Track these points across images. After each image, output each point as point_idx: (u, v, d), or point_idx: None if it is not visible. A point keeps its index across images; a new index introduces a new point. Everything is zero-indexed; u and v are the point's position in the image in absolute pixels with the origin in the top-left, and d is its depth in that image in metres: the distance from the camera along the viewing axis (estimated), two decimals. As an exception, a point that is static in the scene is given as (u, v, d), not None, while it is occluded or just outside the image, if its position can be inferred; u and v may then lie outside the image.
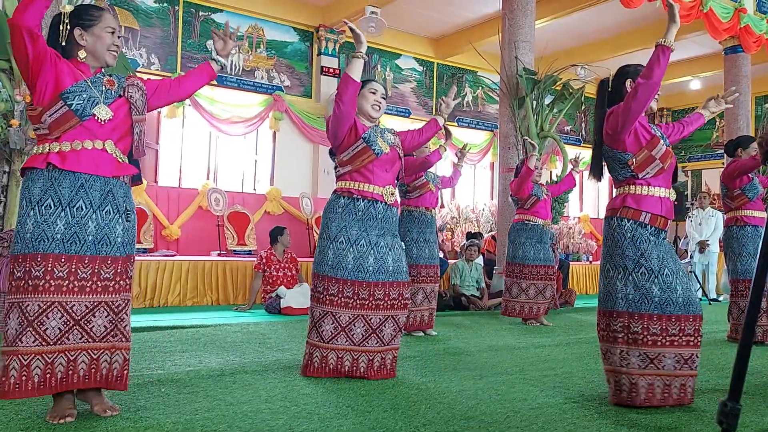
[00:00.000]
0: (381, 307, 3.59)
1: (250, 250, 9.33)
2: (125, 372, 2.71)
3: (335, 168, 3.78)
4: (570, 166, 6.92)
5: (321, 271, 3.61)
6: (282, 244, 7.46)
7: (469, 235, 9.59)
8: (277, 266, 7.35)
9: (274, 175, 11.09)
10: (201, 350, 4.40)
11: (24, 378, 2.49)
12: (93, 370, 2.62)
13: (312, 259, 8.53)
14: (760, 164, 5.15)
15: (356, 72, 3.54)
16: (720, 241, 10.50)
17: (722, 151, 12.90)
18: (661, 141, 3.22)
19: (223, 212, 9.49)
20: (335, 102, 3.57)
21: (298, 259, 7.75)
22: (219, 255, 8.87)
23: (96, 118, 2.66)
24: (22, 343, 2.49)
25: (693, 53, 13.12)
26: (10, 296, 2.55)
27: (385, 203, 3.66)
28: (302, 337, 5.15)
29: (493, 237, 10.29)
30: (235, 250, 9.20)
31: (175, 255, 8.38)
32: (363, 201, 3.61)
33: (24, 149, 5.03)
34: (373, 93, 3.76)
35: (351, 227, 3.59)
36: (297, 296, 7.05)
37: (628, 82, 3.27)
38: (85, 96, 2.64)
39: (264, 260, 7.34)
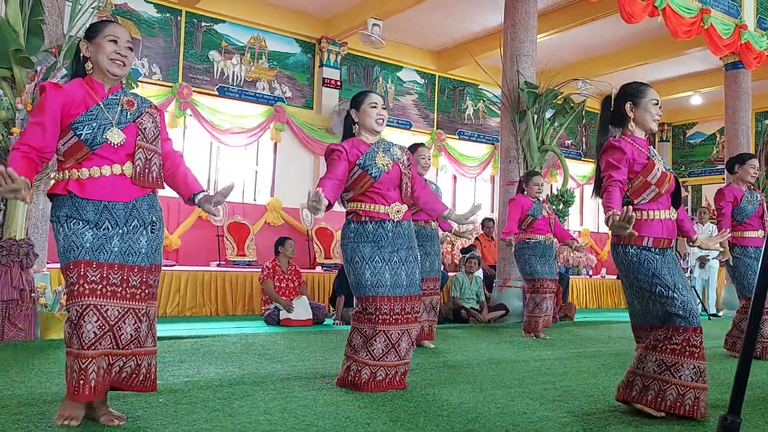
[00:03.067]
0: (398, 321, 3.60)
1: (249, 261, 9.32)
2: (150, 375, 2.77)
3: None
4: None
5: (353, 292, 3.73)
6: (284, 255, 7.43)
7: (464, 251, 9.56)
8: (281, 277, 7.32)
9: (274, 186, 11.10)
10: (200, 361, 4.38)
11: (76, 380, 2.55)
12: (117, 374, 2.64)
13: (312, 271, 8.51)
14: (726, 222, 5.28)
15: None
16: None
17: (722, 166, 12.93)
18: (657, 165, 3.21)
19: (223, 223, 9.49)
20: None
21: (300, 270, 7.73)
22: (218, 265, 8.87)
23: (109, 142, 2.65)
24: (73, 346, 2.56)
25: (694, 69, 13.17)
26: (66, 304, 2.66)
27: (393, 221, 3.66)
28: (301, 348, 5.14)
29: (478, 238, 10.27)
30: (234, 261, 9.19)
31: (174, 265, 8.37)
32: (371, 223, 3.64)
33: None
34: (374, 107, 3.72)
35: (364, 248, 3.62)
36: (296, 308, 7.03)
37: (627, 106, 3.28)
38: (95, 124, 2.63)
39: (270, 270, 7.30)
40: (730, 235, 5.08)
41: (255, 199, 11.02)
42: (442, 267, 9.04)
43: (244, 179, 11.07)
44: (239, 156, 10.98)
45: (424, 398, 3.44)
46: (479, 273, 8.60)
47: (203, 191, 2.93)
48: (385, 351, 3.56)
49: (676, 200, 3.31)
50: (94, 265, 2.59)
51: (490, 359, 4.93)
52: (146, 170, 2.73)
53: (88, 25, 2.82)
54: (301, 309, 7.06)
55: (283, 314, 6.94)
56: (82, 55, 2.76)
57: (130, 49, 2.80)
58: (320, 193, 3.24)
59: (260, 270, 7.50)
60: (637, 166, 3.19)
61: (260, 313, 7.48)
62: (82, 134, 2.61)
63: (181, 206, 9.60)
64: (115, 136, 2.66)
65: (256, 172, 11.20)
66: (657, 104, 3.31)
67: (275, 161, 11.20)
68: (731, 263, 5.35)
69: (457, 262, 10.17)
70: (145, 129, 2.76)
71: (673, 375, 3.06)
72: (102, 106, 2.68)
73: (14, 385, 3.41)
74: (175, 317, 7.31)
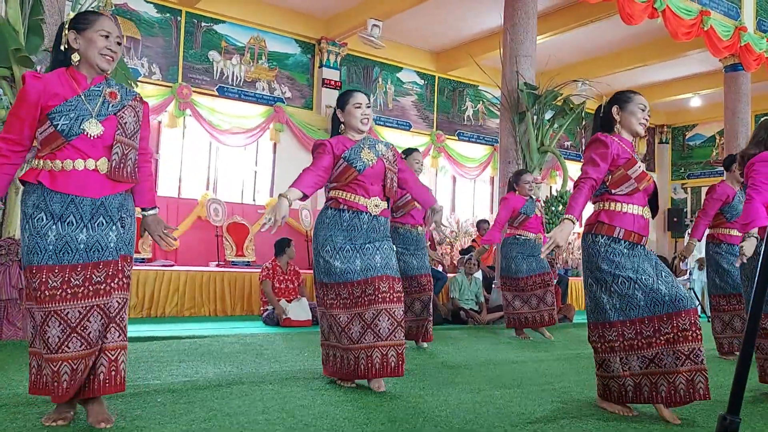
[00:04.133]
0: (373, 301, 3.57)
1: (248, 261, 9.32)
2: (123, 372, 2.70)
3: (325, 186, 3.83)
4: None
5: (317, 278, 3.75)
6: (288, 255, 7.44)
7: (463, 252, 9.57)
8: (280, 278, 7.33)
9: (273, 187, 11.09)
10: (198, 361, 4.38)
11: (39, 378, 2.63)
12: (91, 377, 2.62)
13: (311, 271, 8.52)
14: (703, 223, 5.34)
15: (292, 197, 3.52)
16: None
17: (721, 168, 12.93)
18: (639, 163, 3.34)
19: (222, 223, 9.48)
20: None
21: (299, 271, 7.74)
22: (217, 266, 8.86)
23: (86, 133, 2.62)
24: (35, 347, 2.63)
25: (693, 70, 13.17)
26: (25, 302, 2.69)
27: (370, 214, 3.69)
28: (300, 348, 5.15)
29: (475, 239, 10.28)
30: (233, 261, 9.19)
31: (173, 265, 8.36)
32: (348, 212, 3.67)
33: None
34: (358, 107, 3.74)
35: (336, 236, 3.65)
36: (296, 309, 7.03)
37: (614, 109, 3.41)
38: (72, 115, 2.60)
39: (269, 271, 7.32)
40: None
41: (254, 200, 11.02)
42: (442, 268, 9.05)
43: (243, 179, 11.07)
44: (238, 156, 10.98)
45: (422, 399, 3.44)
46: (478, 274, 8.59)
47: (154, 208, 2.97)
48: (362, 332, 3.55)
49: (653, 207, 3.42)
50: (56, 270, 2.57)
51: (488, 360, 4.93)
52: (121, 165, 2.70)
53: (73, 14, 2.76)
54: (300, 310, 7.05)
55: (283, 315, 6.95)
56: (68, 45, 2.70)
57: (119, 44, 2.77)
58: (283, 207, 3.43)
59: (260, 270, 7.50)
60: (621, 160, 3.31)
61: (259, 313, 7.48)
62: (58, 125, 2.58)
63: (180, 206, 9.61)
64: (93, 127, 2.63)
65: (256, 172, 11.20)
66: (644, 110, 3.41)
67: (274, 162, 11.20)
68: (716, 259, 5.37)
69: (456, 263, 10.17)
70: (125, 123, 2.72)
71: (658, 366, 3.11)
72: (83, 97, 2.65)
73: (12, 384, 3.40)
74: (174, 317, 7.30)
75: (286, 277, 7.38)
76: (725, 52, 10.44)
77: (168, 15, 10.05)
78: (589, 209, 3.39)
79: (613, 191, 3.29)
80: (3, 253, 4.94)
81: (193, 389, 3.42)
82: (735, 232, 5.28)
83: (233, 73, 10.64)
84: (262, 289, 7.30)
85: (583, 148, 15.34)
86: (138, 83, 7.38)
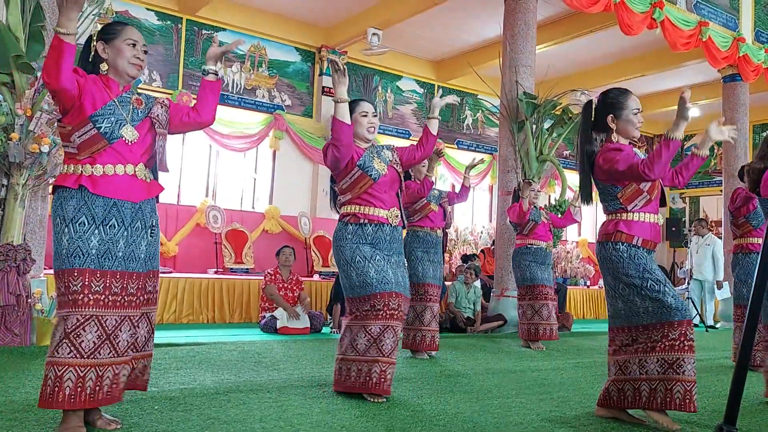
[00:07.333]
0: (388, 317, 3.56)
1: (247, 269, 9.32)
2: (144, 375, 2.90)
3: (337, 196, 3.82)
4: (570, 202, 6.91)
5: (351, 295, 3.66)
6: (281, 264, 7.44)
7: (465, 258, 9.57)
8: (281, 285, 7.34)
9: (273, 194, 11.10)
10: (196, 368, 4.37)
11: (57, 389, 2.53)
12: (114, 386, 2.65)
13: (310, 279, 8.49)
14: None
15: (345, 116, 3.55)
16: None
17: (720, 178, 12.95)
18: None
19: (221, 230, 9.48)
20: (333, 146, 3.58)
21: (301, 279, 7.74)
22: (216, 273, 8.86)
23: (124, 139, 2.70)
24: (58, 354, 2.55)
25: (691, 81, 13.19)
26: (58, 311, 2.64)
27: (391, 225, 3.70)
28: (297, 357, 5.14)
29: (484, 252, 10.30)
30: (232, 268, 9.19)
31: (171, 272, 8.37)
32: (370, 225, 3.66)
33: (23, 163, 5.03)
34: (365, 115, 3.79)
35: (364, 247, 3.63)
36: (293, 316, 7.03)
37: (609, 118, 3.30)
38: (113, 118, 2.68)
39: (272, 276, 7.34)
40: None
41: (253, 207, 11.02)
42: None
43: (242, 187, 11.08)
44: (238, 163, 11.00)
45: (420, 407, 3.43)
46: (477, 283, 8.59)
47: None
48: (393, 347, 3.55)
49: (661, 202, 3.36)
50: (98, 275, 2.61)
51: (487, 369, 4.92)
52: (164, 157, 2.85)
53: (100, 26, 2.87)
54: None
55: (281, 322, 6.94)
56: (95, 54, 2.78)
57: (145, 52, 2.87)
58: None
59: (261, 277, 7.50)
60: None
61: (257, 321, 7.47)
62: (101, 127, 2.65)
63: (179, 213, 9.61)
64: (129, 133, 2.73)
65: (255, 179, 11.22)
66: (638, 113, 3.33)
67: (274, 169, 11.22)
68: (748, 269, 5.24)
69: (455, 270, 10.17)
70: (157, 115, 2.85)
71: (676, 372, 3.03)
72: (117, 102, 2.74)
73: (10, 391, 3.40)
74: (172, 324, 7.29)
75: (287, 285, 7.39)
76: (723, 62, 10.47)
77: (169, 23, 10.09)
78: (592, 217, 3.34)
79: (628, 207, 3.23)
80: (1, 260, 4.93)
81: (191, 397, 3.42)
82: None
83: (233, 80, 10.67)
84: (264, 295, 7.29)
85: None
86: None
